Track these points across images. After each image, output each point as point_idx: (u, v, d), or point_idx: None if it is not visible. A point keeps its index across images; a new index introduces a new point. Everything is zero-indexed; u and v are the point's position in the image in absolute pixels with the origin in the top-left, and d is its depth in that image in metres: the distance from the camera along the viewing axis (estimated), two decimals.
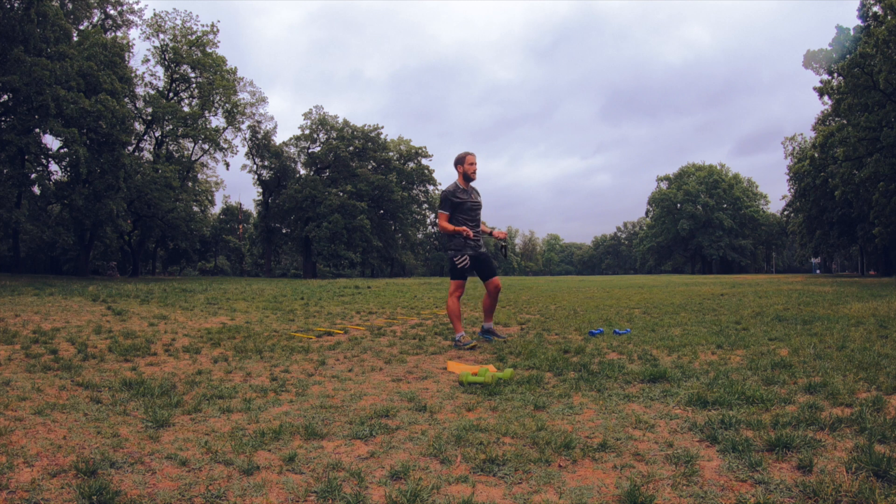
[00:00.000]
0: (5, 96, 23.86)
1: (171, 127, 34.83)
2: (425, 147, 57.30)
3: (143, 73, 35.93)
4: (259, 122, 45.07)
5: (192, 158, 39.10)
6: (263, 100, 43.50)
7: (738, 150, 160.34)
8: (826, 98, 31.59)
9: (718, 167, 75.72)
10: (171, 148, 38.36)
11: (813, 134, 41.03)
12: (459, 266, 5.28)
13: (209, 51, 37.27)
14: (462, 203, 5.31)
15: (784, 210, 52.10)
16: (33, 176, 26.62)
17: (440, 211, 5.35)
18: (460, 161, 5.41)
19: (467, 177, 5.39)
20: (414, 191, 57.40)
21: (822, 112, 37.24)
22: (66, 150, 24.72)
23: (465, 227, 5.23)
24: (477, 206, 5.45)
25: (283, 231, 51.53)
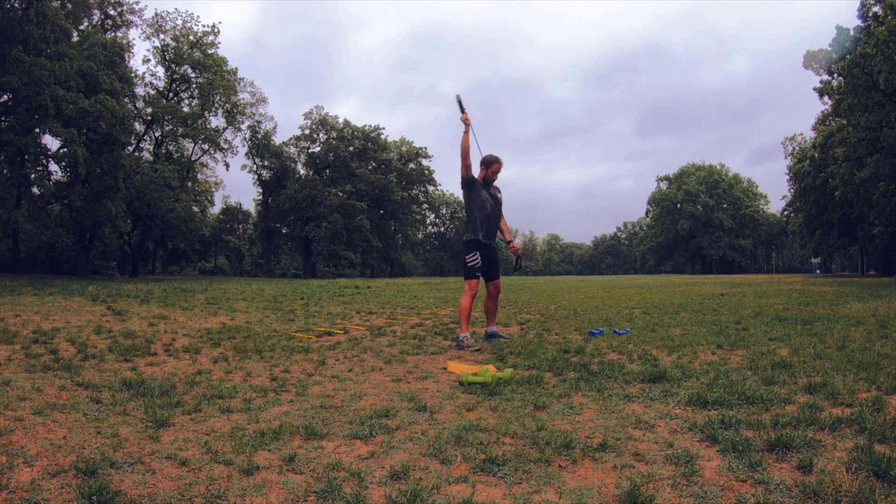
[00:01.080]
0: (5, 96, 23.86)
1: (170, 127, 34.84)
2: (425, 148, 57.38)
3: (144, 73, 36.01)
4: (259, 122, 45.13)
5: (192, 158, 39.12)
6: (263, 100, 43.59)
7: (750, 160, 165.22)
8: (826, 98, 31.61)
9: (718, 167, 75.69)
10: (170, 148, 38.37)
11: (813, 134, 41.04)
12: (470, 264, 5.29)
13: (209, 51, 37.29)
14: (480, 191, 5.31)
15: (784, 210, 52.11)
16: (33, 176, 26.61)
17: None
18: (487, 164, 5.41)
19: (487, 179, 5.43)
20: (414, 191, 57.41)
21: (822, 112, 37.27)
22: (65, 150, 24.72)
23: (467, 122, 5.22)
24: (497, 202, 5.47)
25: (283, 231, 51.53)
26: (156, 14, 36.96)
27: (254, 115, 43.52)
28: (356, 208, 46.64)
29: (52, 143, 27.29)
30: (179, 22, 36.63)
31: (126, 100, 28.92)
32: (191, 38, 36.61)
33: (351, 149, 50.42)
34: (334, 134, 50.46)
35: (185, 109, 35.79)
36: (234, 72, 38.77)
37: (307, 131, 50.47)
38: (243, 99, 41.16)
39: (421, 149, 57.05)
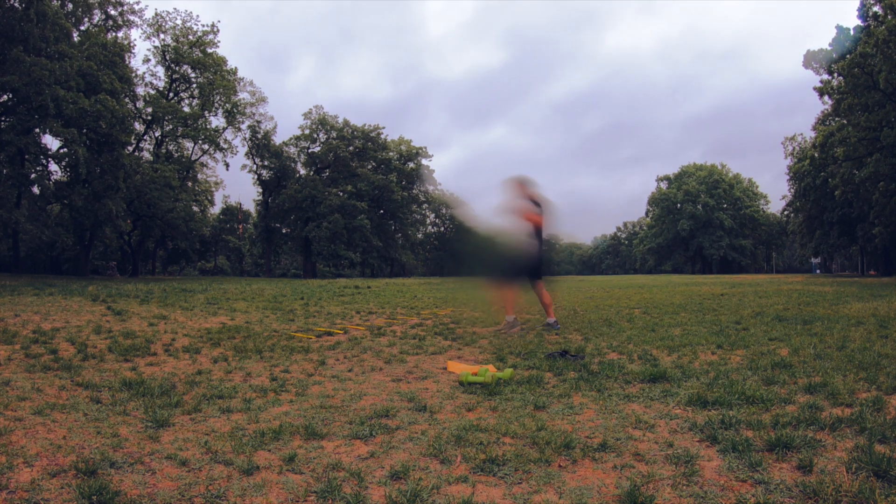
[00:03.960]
0: (5, 96, 23.86)
1: (171, 127, 34.86)
2: (425, 147, 57.28)
3: (144, 73, 36.00)
4: (259, 122, 45.08)
5: (192, 158, 39.11)
6: (263, 100, 43.53)
7: (777, 176, 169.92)
8: (826, 98, 31.59)
9: (719, 167, 75.64)
10: (170, 148, 38.38)
11: (813, 134, 40.99)
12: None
13: (209, 51, 37.29)
14: None
15: (784, 210, 52.03)
16: (33, 176, 26.61)
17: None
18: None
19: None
20: (414, 190, 57.33)
21: (822, 112, 37.21)
22: (65, 150, 24.73)
23: None
24: None
25: (283, 231, 51.50)
26: (156, 14, 37.01)
27: (254, 114, 43.52)
28: (356, 208, 46.61)
29: (52, 142, 27.34)
30: (179, 21, 36.67)
31: (126, 99, 28.92)
32: (190, 37, 36.61)
33: (351, 148, 50.39)
34: (334, 134, 50.41)
35: (186, 109, 35.79)
36: (234, 71, 38.77)
37: (307, 131, 50.44)
38: (243, 99, 41.19)
39: (420, 148, 56.97)
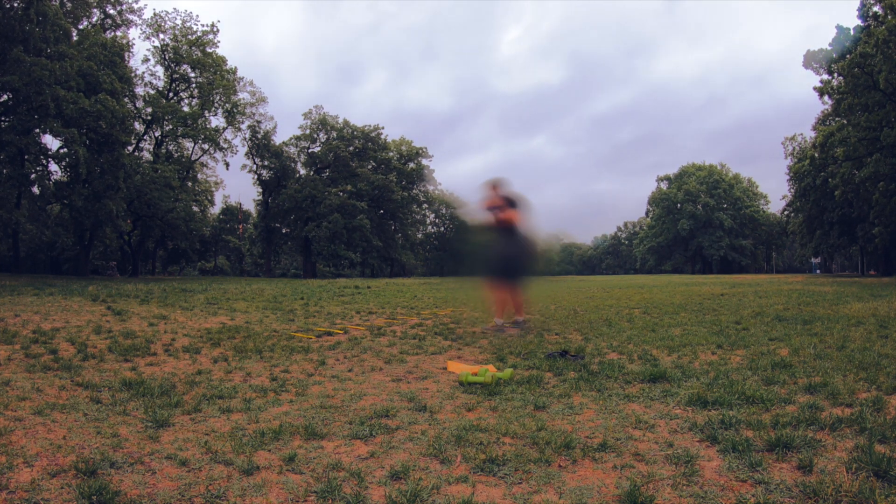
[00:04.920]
0: (5, 96, 23.85)
1: (170, 127, 34.85)
2: (425, 147, 57.29)
3: (143, 72, 35.96)
4: (259, 121, 45.05)
5: (192, 158, 39.10)
6: (263, 100, 43.50)
7: (783, 180, 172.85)
8: (826, 98, 31.60)
9: (719, 167, 75.67)
10: (170, 148, 38.35)
11: (813, 134, 40.98)
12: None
13: (209, 50, 37.28)
14: None
15: (784, 210, 51.98)
16: (33, 176, 26.59)
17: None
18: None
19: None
20: (414, 191, 57.34)
21: (822, 112, 37.20)
22: (65, 150, 24.73)
23: None
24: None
25: (283, 231, 51.50)
26: (155, 14, 37.00)
27: (254, 114, 43.49)
28: (356, 208, 46.61)
29: (52, 142, 27.32)
30: (179, 21, 36.64)
31: (126, 99, 28.91)
32: (190, 37, 36.60)
33: (351, 149, 50.39)
34: (334, 134, 50.42)
35: (185, 109, 35.77)
36: (234, 71, 38.75)
37: (307, 131, 50.44)
38: (243, 98, 41.17)
39: (421, 148, 56.97)
